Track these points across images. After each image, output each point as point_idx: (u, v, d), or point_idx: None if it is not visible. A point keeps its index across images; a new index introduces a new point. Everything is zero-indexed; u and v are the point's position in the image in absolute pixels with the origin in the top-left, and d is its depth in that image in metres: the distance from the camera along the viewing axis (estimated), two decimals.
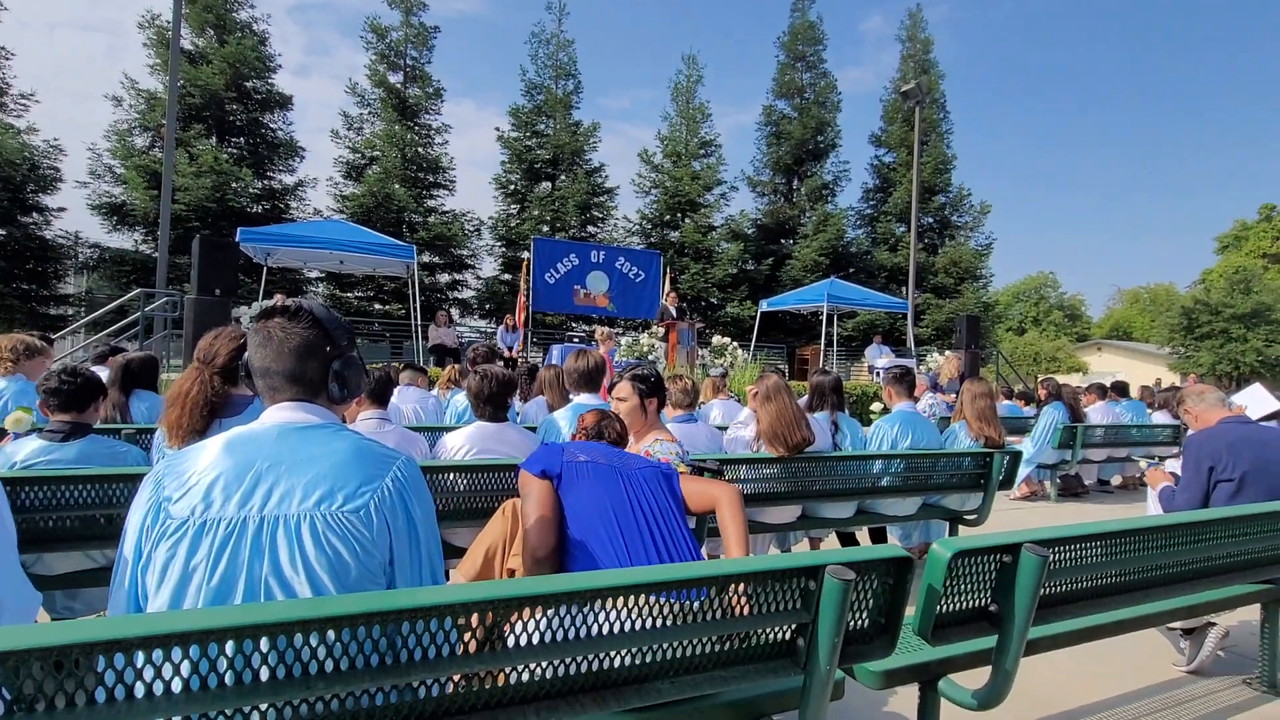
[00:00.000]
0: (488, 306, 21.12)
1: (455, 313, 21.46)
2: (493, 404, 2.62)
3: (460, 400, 4.28)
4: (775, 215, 24.79)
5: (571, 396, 3.06)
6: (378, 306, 19.15)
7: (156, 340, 8.56)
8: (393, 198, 18.71)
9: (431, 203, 20.82)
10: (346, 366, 1.26)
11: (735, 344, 11.33)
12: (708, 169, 23.07)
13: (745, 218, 24.00)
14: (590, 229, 23.93)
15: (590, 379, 3.01)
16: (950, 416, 4.15)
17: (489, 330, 18.26)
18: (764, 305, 15.93)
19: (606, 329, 7.95)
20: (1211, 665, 2.49)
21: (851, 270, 23.93)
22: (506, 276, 22.27)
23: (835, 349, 18.52)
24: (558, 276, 14.49)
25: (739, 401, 5.86)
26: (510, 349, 11.80)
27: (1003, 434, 3.74)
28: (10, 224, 14.88)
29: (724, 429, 4.18)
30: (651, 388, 2.41)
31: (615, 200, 23.13)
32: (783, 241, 25.73)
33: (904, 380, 3.66)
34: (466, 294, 22.61)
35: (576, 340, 12.02)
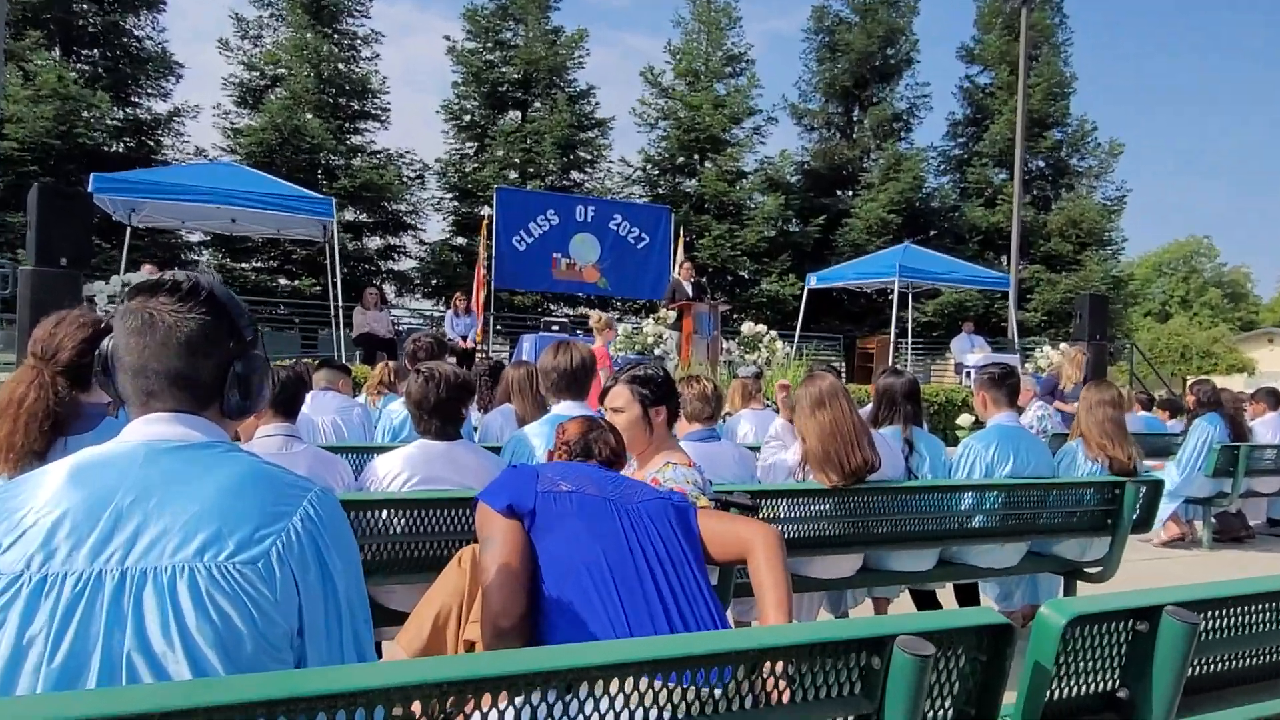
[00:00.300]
0: (435, 282, 21.14)
1: (390, 290, 21.55)
2: (440, 415, 2.65)
3: (397, 410, 4.31)
4: (829, 157, 24.82)
5: (549, 405, 3.12)
6: (283, 282, 19.17)
7: None
8: (304, 132, 18.74)
9: (357, 139, 20.95)
10: (251, 367, 1.23)
11: (773, 333, 11.39)
12: (736, 94, 23.09)
13: (787, 160, 24.09)
14: (575, 176, 23.91)
15: (575, 381, 3.04)
16: (1068, 433, 4.17)
17: (436, 314, 18.31)
18: (813, 280, 16.02)
19: (601, 314, 7.99)
20: None
21: (932, 233, 23.95)
22: (460, 241, 22.29)
23: (910, 340, 18.63)
24: (530, 241, 14.53)
25: (776, 411, 5.89)
26: (464, 339, 11.86)
27: (1137, 456, 3.76)
28: None
29: (757, 449, 4.21)
30: (659, 393, 2.44)
31: (609, 137, 23.22)
32: (839, 193, 25.75)
33: (1003, 383, 3.68)
34: (405, 265, 22.73)
35: (555, 329, 12.08)
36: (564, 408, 3.01)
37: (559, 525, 1.69)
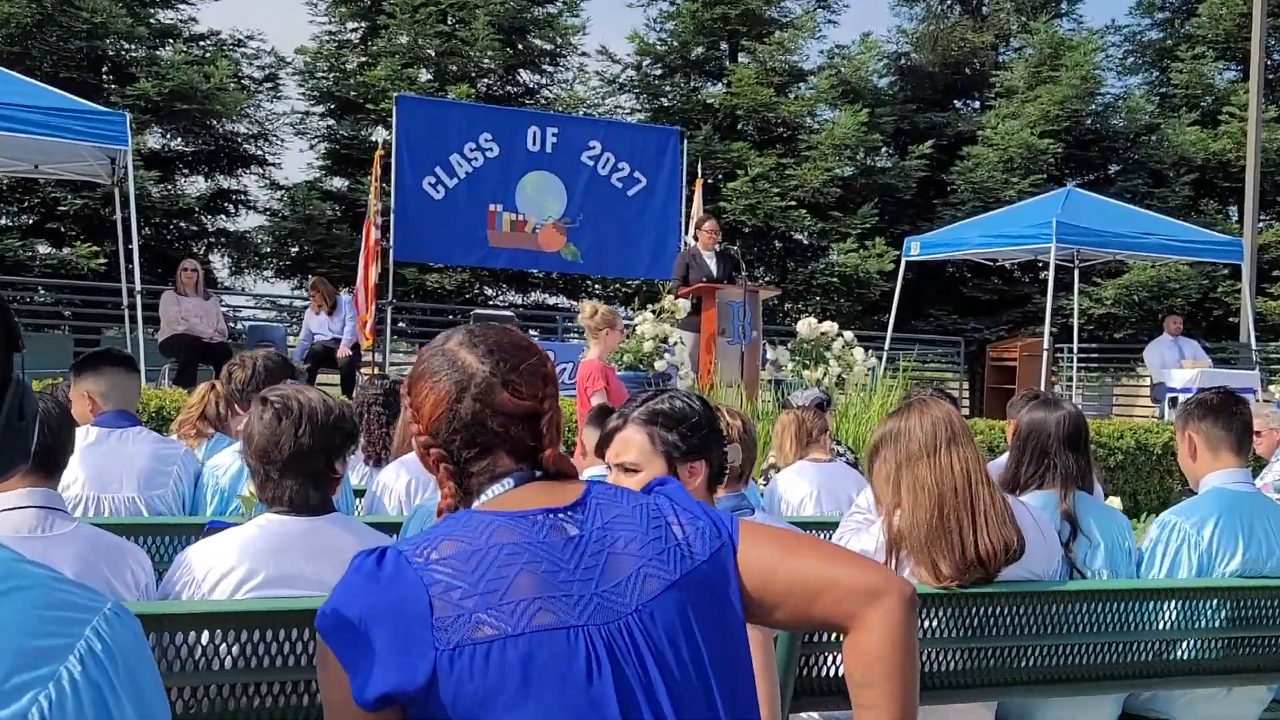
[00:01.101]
0: (296, 251, 21.23)
1: (221, 266, 21.74)
2: (299, 473, 2.69)
3: (225, 464, 4.33)
4: (942, 46, 25.01)
5: None
6: (45, 251, 19.22)
7: None
8: (78, 6, 18.74)
9: (168, 16, 21.14)
10: (25, 401, 1.28)
11: (849, 335, 11.46)
12: None
13: (873, 52, 24.34)
14: (526, 78, 24.05)
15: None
16: None
17: (299, 303, 18.20)
18: (914, 249, 16.18)
19: (598, 305, 7.99)
20: None
21: (1113, 170, 23.95)
22: (337, 184, 22.36)
23: (1076, 347, 18.79)
24: (451, 185, 14.62)
25: (855, 464, 5.89)
26: (338, 345, 11.97)
27: None
28: None
29: (823, 527, 4.20)
30: (694, 439, 2.59)
31: (581, 14, 23.34)
32: (958, 106, 25.76)
33: (1227, 418, 3.68)
34: (247, 223, 22.64)
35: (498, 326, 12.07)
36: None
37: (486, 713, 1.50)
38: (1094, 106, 23.59)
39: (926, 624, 3.03)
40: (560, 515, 1.65)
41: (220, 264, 21.62)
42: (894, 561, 3.07)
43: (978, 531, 2.98)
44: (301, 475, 2.68)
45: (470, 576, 1.55)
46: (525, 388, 1.74)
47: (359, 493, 4.69)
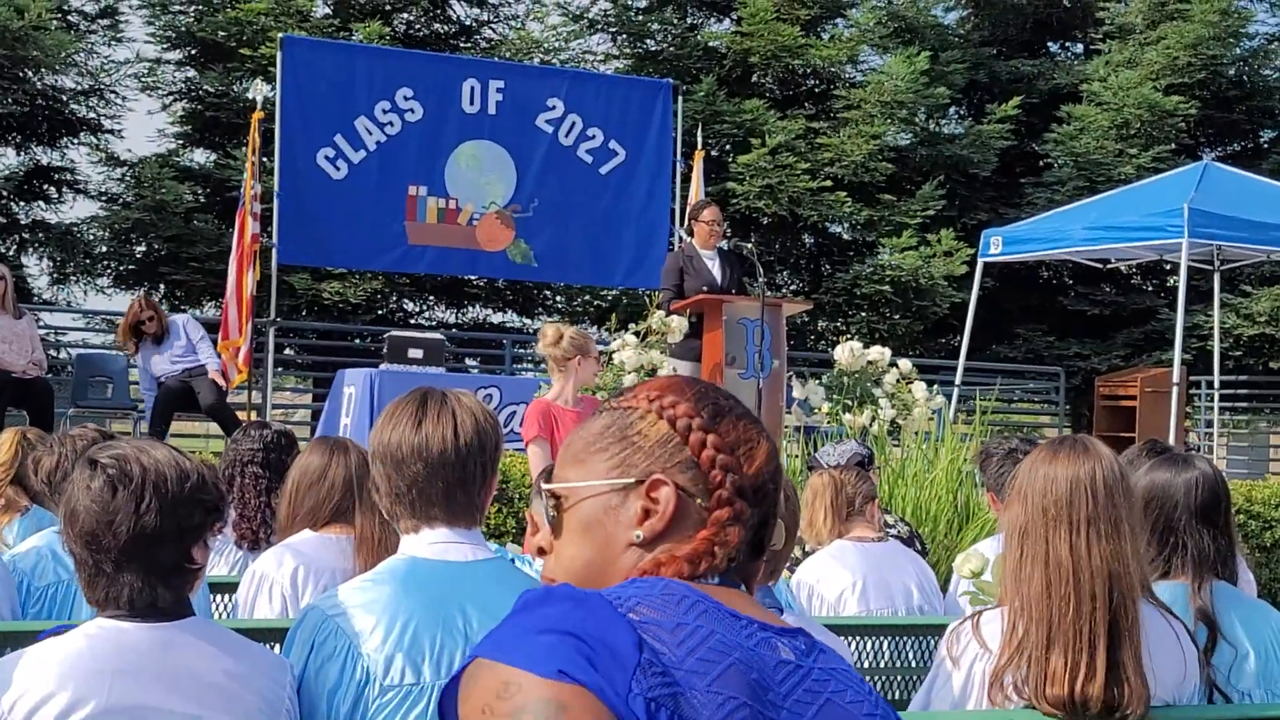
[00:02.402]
0: (139, 251, 21.34)
1: (37, 271, 21.69)
2: (139, 563, 2.68)
3: (29, 553, 4.33)
4: None
5: (402, 533, 3.17)
6: None
7: None
8: None
9: None
10: None
11: (906, 364, 11.47)
12: None
13: None
14: (461, 11, 24.20)
15: (455, 482, 3.11)
16: None
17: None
18: (994, 246, 16.16)
19: (563, 328, 8.03)
20: None
21: (1263, 139, 23.92)
22: (200, 157, 22.38)
23: (1216, 378, 18.77)
24: (356, 160, 14.60)
25: (913, 540, 5.87)
26: (193, 377, 12.07)
27: None
28: None
29: (872, 633, 4.16)
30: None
31: None
32: (1051, 50, 25.90)
33: None
34: (75, 212, 22.36)
35: (418, 356, 12.07)
36: (431, 545, 3.07)
37: None
38: (1239, 51, 23.79)
39: None
40: (775, 634, 1.75)
41: (37, 269, 21.53)
42: (1007, 692, 3.12)
43: (1111, 663, 3.02)
44: (146, 567, 2.66)
45: (677, 649, 1.64)
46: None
47: (225, 586, 4.66)
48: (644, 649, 1.60)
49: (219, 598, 4.67)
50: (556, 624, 1.61)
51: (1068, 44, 26.12)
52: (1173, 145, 21.81)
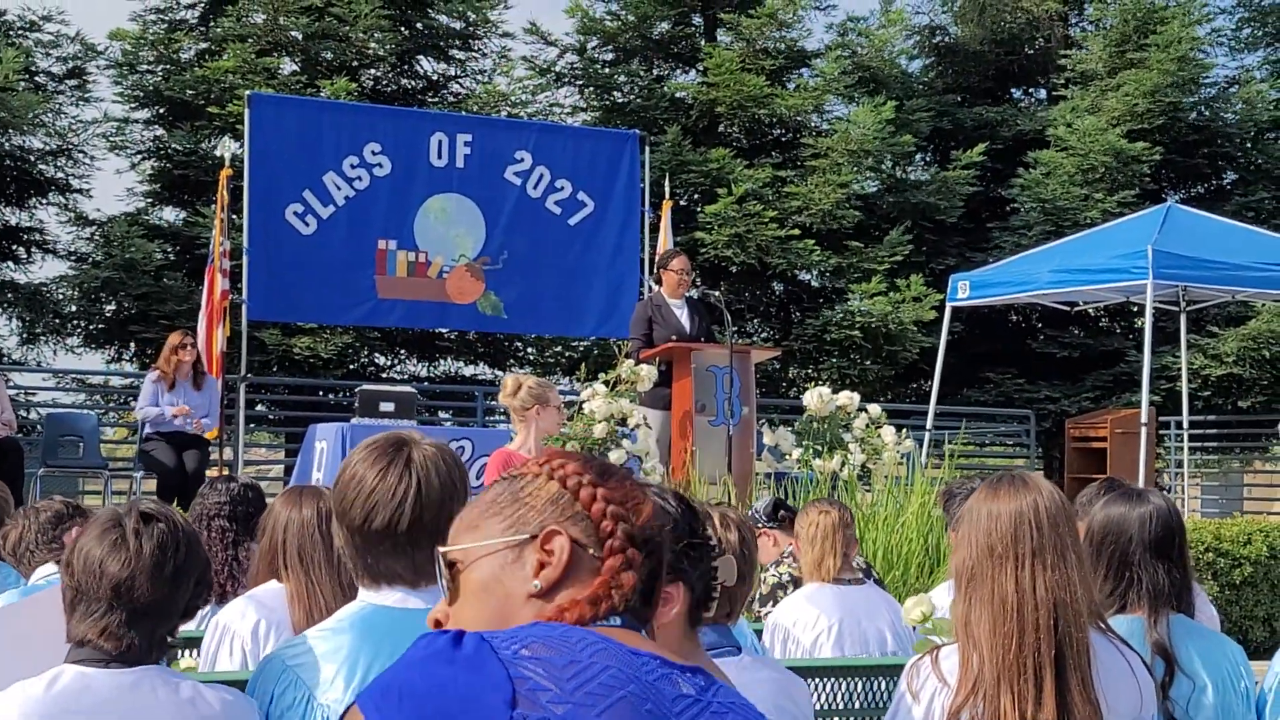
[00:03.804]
0: (108, 310, 21.25)
1: (6, 330, 21.56)
2: (146, 620, 2.74)
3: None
4: (989, 15, 25.24)
5: (362, 589, 3.16)
6: None
7: None
8: None
9: None
10: None
11: (876, 409, 11.55)
12: None
13: (897, 25, 24.87)
14: (429, 68, 24.24)
15: (414, 534, 3.08)
16: None
17: (109, 381, 17.91)
18: (962, 290, 16.25)
19: (523, 379, 8.11)
20: None
21: (1225, 180, 24.16)
22: (170, 215, 22.30)
23: (1185, 418, 18.85)
24: (325, 215, 14.59)
25: (883, 584, 5.87)
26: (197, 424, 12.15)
27: None
28: None
29: (847, 674, 4.15)
30: (672, 554, 2.51)
31: None
32: (1015, 96, 26.23)
33: None
34: (43, 272, 22.25)
35: (388, 409, 12.05)
36: (387, 594, 3.06)
37: None
38: (1199, 96, 24.00)
39: None
40: (675, 670, 1.76)
41: (6, 329, 21.46)
42: (965, 709, 3.12)
43: (1059, 690, 3.02)
44: (139, 620, 2.76)
45: (565, 685, 1.66)
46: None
47: (191, 641, 4.64)
48: (518, 704, 1.63)
49: (185, 652, 4.64)
50: (416, 682, 1.66)
51: (1030, 90, 26.33)
52: (1136, 189, 21.94)
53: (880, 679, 4.85)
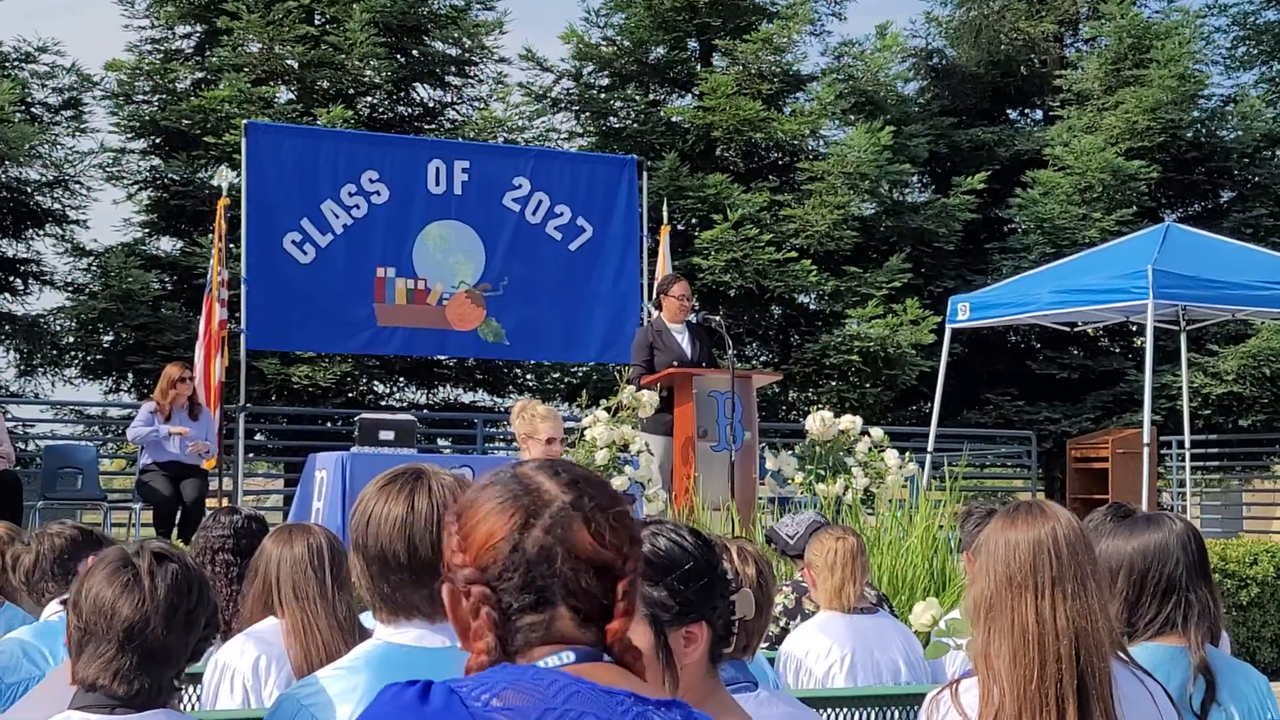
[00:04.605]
0: (106, 341, 21.18)
1: (3, 363, 21.54)
2: (149, 661, 2.72)
3: (6, 643, 4.30)
4: (985, 37, 25.47)
5: (379, 625, 3.14)
6: None
7: None
8: None
9: None
10: None
11: (878, 432, 11.51)
12: None
13: (893, 48, 24.80)
14: (425, 94, 24.18)
15: (434, 570, 3.06)
16: None
17: (107, 411, 17.83)
18: (961, 312, 16.23)
19: (532, 404, 8.11)
20: None
21: (1223, 198, 24.09)
22: (167, 245, 22.29)
23: (1186, 437, 18.90)
24: (323, 244, 14.58)
25: (894, 611, 5.83)
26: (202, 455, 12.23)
27: None
28: None
29: (860, 704, 4.11)
30: (690, 594, 2.57)
31: (497, 5, 23.57)
32: (1011, 117, 26.20)
33: None
34: (41, 304, 22.23)
35: (388, 438, 12.00)
36: (405, 632, 3.03)
37: None
38: (1196, 114, 23.99)
39: None
40: (651, 706, 1.75)
41: (4, 361, 21.46)
42: None
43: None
44: (144, 662, 2.74)
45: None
46: (610, 534, 1.84)
47: (192, 677, 4.61)
48: None
49: (187, 689, 4.61)
50: None
51: (1027, 111, 26.36)
52: (1135, 208, 21.93)
53: (893, 709, 4.82)
